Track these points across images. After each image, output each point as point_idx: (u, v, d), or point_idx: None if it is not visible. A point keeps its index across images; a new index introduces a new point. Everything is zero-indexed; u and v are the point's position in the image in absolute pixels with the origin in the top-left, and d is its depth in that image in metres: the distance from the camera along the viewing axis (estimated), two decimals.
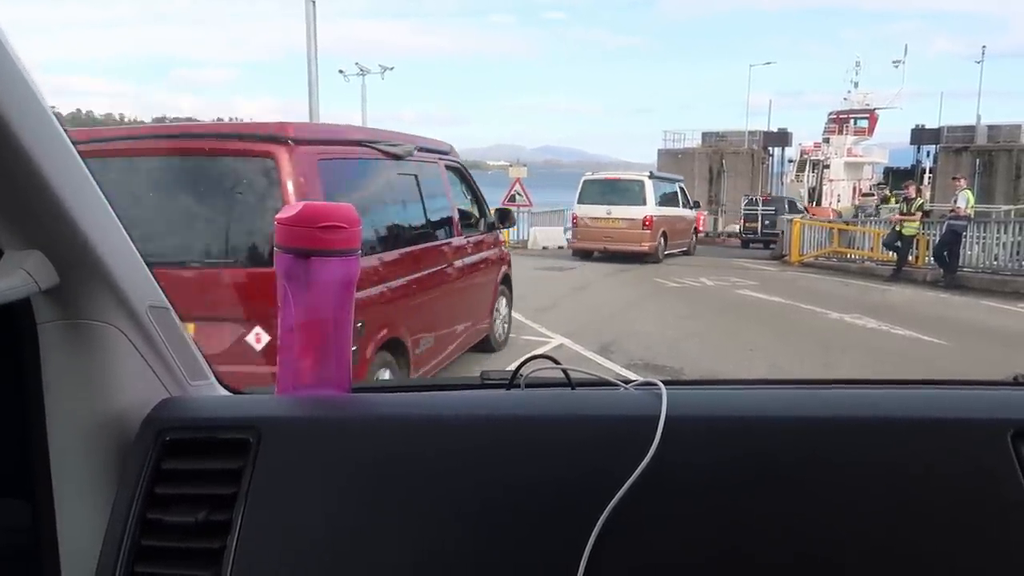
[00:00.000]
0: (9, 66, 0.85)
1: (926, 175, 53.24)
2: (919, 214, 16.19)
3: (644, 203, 18.02)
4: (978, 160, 46.13)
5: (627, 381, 1.26)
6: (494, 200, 22.66)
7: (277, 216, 1.22)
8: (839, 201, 52.57)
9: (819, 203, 49.25)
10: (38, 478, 1.11)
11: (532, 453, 1.05)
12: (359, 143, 5.28)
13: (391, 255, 5.30)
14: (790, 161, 59.02)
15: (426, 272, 5.81)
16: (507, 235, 22.10)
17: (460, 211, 7.04)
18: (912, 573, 0.95)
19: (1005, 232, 15.61)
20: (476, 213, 7.75)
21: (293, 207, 1.21)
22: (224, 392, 1.35)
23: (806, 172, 56.26)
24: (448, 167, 6.97)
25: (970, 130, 48.99)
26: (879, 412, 1.08)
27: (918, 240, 16.35)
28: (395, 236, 5.51)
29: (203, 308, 3.90)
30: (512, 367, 1.35)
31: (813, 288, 14.92)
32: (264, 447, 1.09)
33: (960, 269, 15.23)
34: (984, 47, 54.89)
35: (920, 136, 53.11)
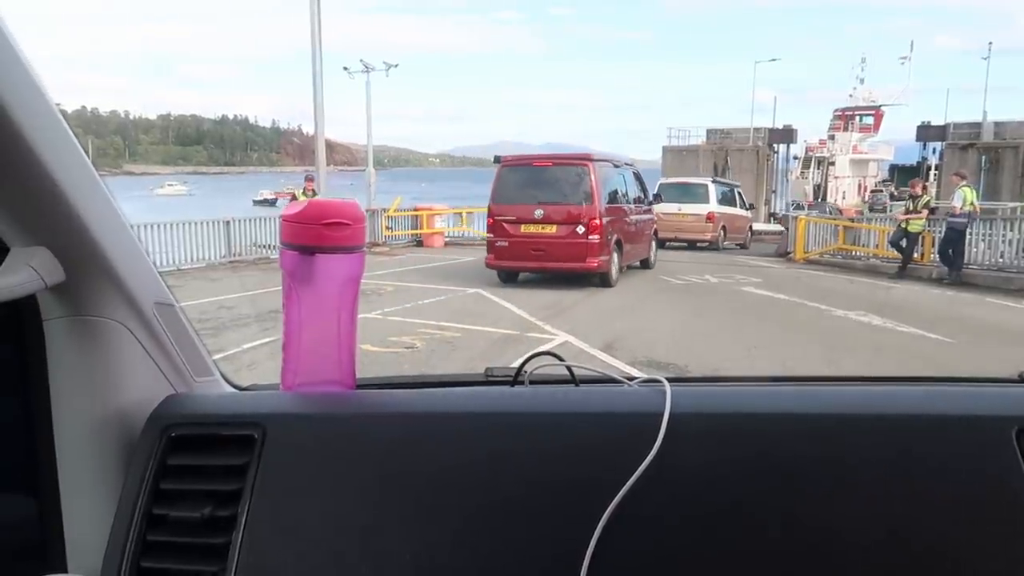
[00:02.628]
0: (15, 65, 0.86)
1: (932, 172, 53.14)
2: (925, 211, 16.16)
3: (708, 201, 21.58)
4: (984, 157, 45.95)
5: (631, 378, 1.26)
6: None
7: (282, 213, 1.23)
8: (844, 198, 52.58)
9: (824, 200, 49.18)
10: (44, 473, 1.12)
11: (536, 449, 1.05)
12: (608, 161, 14.80)
13: (618, 207, 14.26)
14: (795, 158, 58.91)
15: (630, 217, 14.90)
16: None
17: (638, 193, 16.02)
18: (917, 568, 0.95)
19: (1011, 229, 15.57)
20: (643, 195, 16.32)
21: (299, 204, 1.22)
22: (229, 389, 1.36)
23: (811, 169, 56.20)
24: (633, 172, 16.07)
25: (976, 127, 48.80)
26: (884, 409, 1.08)
27: (924, 237, 16.32)
28: (619, 200, 14.52)
29: (561, 219, 13.17)
30: (516, 364, 1.35)
31: (818, 285, 14.90)
32: (269, 443, 1.09)
33: (965, 266, 15.19)
34: (991, 43, 54.74)
35: (926, 133, 52.90)
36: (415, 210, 22.77)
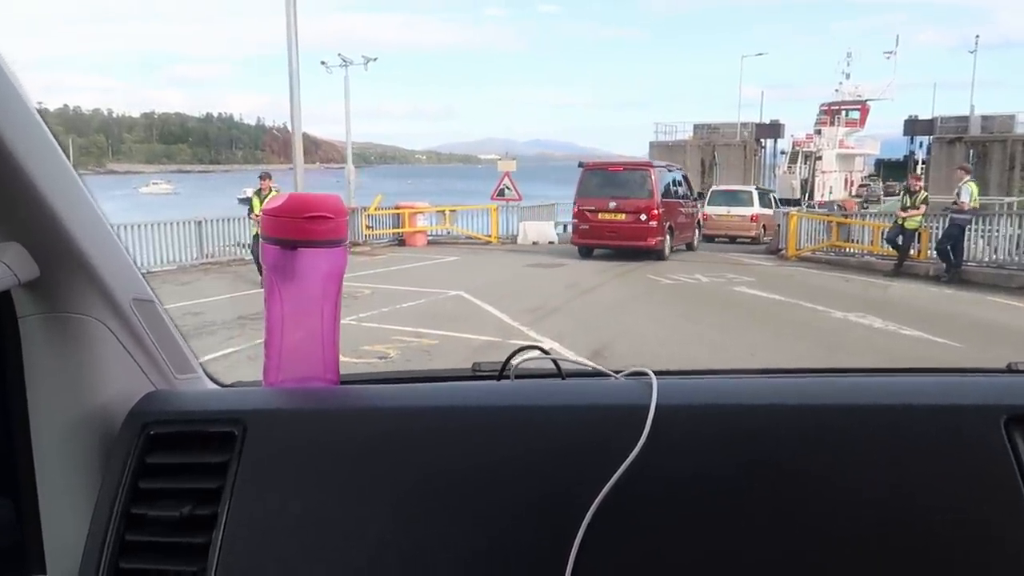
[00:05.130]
0: None
1: (918, 166, 53.32)
2: (923, 207, 15.67)
3: (752, 205, 25.79)
4: (972, 151, 46.02)
5: (617, 371, 1.25)
6: (486, 191, 22.33)
7: (263, 207, 1.22)
8: (831, 193, 52.91)
9: (811, 196, 49.34)
10: (21, 474, 1.11)
11: (522, 443, 1.05)
12: (664, 167, 19.91)
13: (671, 201, 18.67)
14: (782, 153, 59.33)
15: (679, 209, 19.37)
16: (496, 228, 22.06)
17: (685, 191, 20.44)
18: (908, 556, 0.94)
19: (1010, 225, 15.05)
20: (690, 192, 20.87)
21: (279, 198, 1.19)
22: (211, 385, 1.35)
23: (798, 164, 56.52)
24: (682, 175, 21.10)
25: (964, 120, 48.85)
26: (872, 400, 1.07)
27: (920, 234, 15.82)
28: (671, 196, 18.99)
29: (629, 209, 17.59)
30: (503, 359, 1.35)
31: (813, 284, 14.38)
32: (250, 440, 1.08)
33: (964, 263, 14.70)
34: (978, 36, 54.63)
35: (913, 127, 53.02)
36: (396, 208, 22.11)
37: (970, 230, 14.84)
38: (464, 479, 1.02)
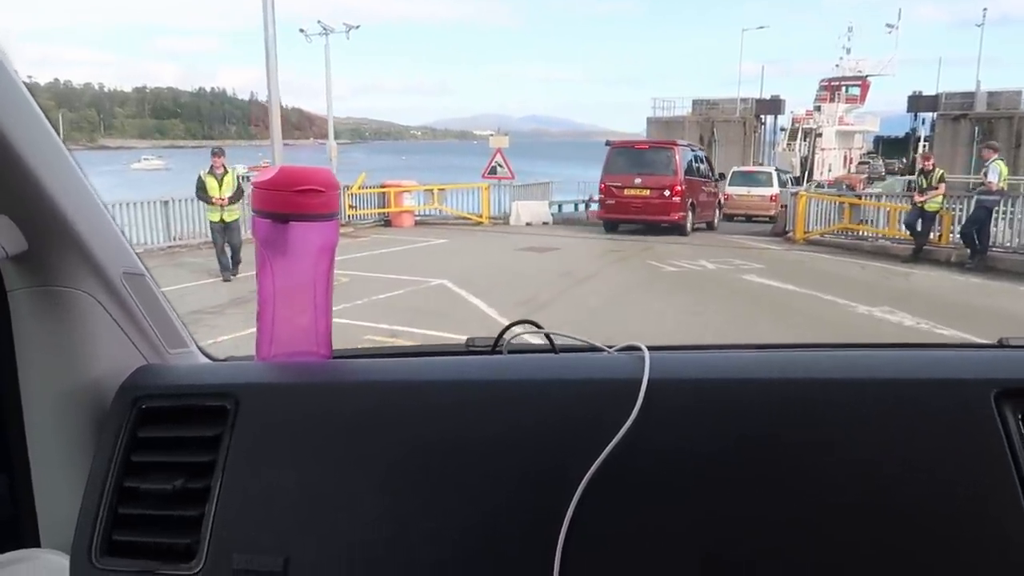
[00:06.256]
0: None
1: (920, 144, 52.53)
2: (942, 186, 14.55)
3: (772, 185, 26.05)
4: (977, 128, 45.11)
5: (610, 346, 1.25)
6: (480, 168, 21.25)
7: (253, 180, 1.24)
8: (830, 171, 52.47)
9: (811, 174, 48.66)
10: (14, 448, 1.13)
11: (515, 417, 1.05)
12: (688, 146, 20.64)
13: (693, 180, 19.18)
14: (782, 129, 58.57)
15: (702, 188, 20.12)
16: (487, 208, 20.97)
17: (707, 171, 21.02)
18: (898, 529, 0.94)
19: None
20: (712, 172, 21.62)
21: (270, 170, 1.20)
22: (204, 359, 1.35)
23: (797, 141, 56.01)
24: (704, 156, 22.26)
25: (969, 96, 47.79)
26: (863, 374, 1.07)
27: (942, 216, 14.72)
28: (694, 175, 19.44)
29: (654, 186, 18.18)
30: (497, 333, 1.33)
31: (827, 272, 13.30)
32: (242, 414, 1.09)
33: (989, 248, 13.63)
34: (985, 9, 53.33)
35: (917, 103, 51.96)
36: (382, 187, 20.88)
37: (997, 213, 13.75)
38: (457, 452, 1.02)
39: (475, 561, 0.98)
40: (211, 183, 12.23)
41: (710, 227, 20.88)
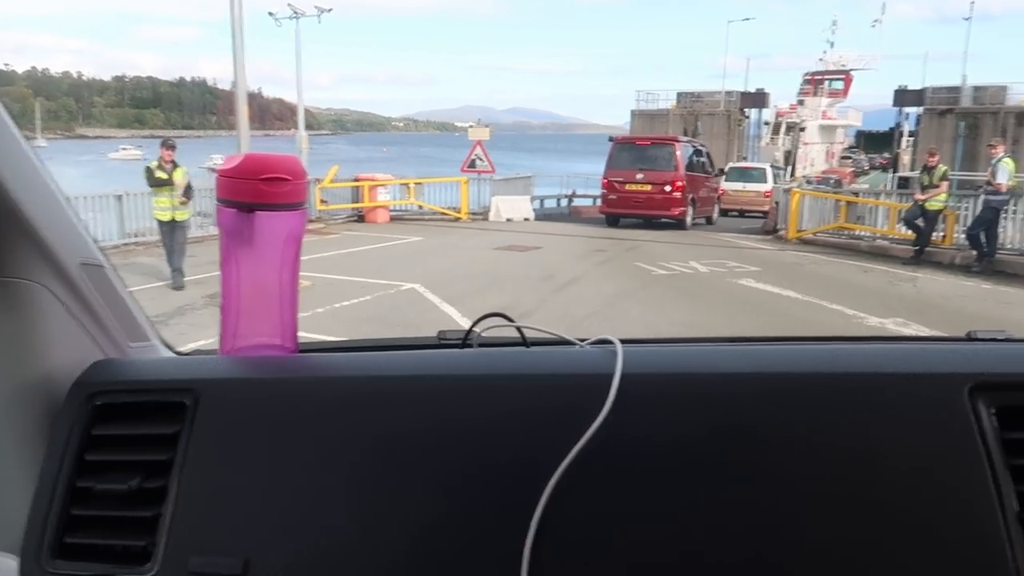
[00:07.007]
0: None
1: (904, 138, 52.28)
2: (945, 183, 13.76)
3: (766, 181, 26.96)
4: (962, 123, 44.65)
5: (582, 339, 1.23)
6: (459, 160, 20.30)
7: (218, 168, 1.18)
8: (813, 165, 52.39)
9: (794, 168, 48.37)
10: None
11: (486, 411, 1.03)
12: (689, 142, 21.42)
13: (694, 175, 19.85)
14: (766, 123, 58.31)
15: (703, 184, 20.86)
16: (465, 203, 20.06)
17: (707, 167, 21.61)
18: (869, 521, 0.93)
19: None
20: (712, 168, 22.12)
21: (235, 158, 1.15)
22: (166, 353, 1.31)
23: (780, 135, 55.81)
24: (705, 152, 22.09)
25: (955, 91, 47.38)
26: (838, 367, 1.05)
27: (946, 215, 13.93)
28: (694, 170, 20.11)
29: (655, 181, 18.90)
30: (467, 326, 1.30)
31: (828, 276, 12.46)
32: (202, 410, 1.05)
33: (996, 251, 12.86)
34: (973, 2, 52.92)
35: (903, 98, 51.52)
36: (355, 180, 19.83)
37: (1005, 213, 12.98)
38: (426, 447, 1.00)
39: (444, 557, 0.96)
40: (163, 177, 11.02)
41: (709, 221, 21.45)
